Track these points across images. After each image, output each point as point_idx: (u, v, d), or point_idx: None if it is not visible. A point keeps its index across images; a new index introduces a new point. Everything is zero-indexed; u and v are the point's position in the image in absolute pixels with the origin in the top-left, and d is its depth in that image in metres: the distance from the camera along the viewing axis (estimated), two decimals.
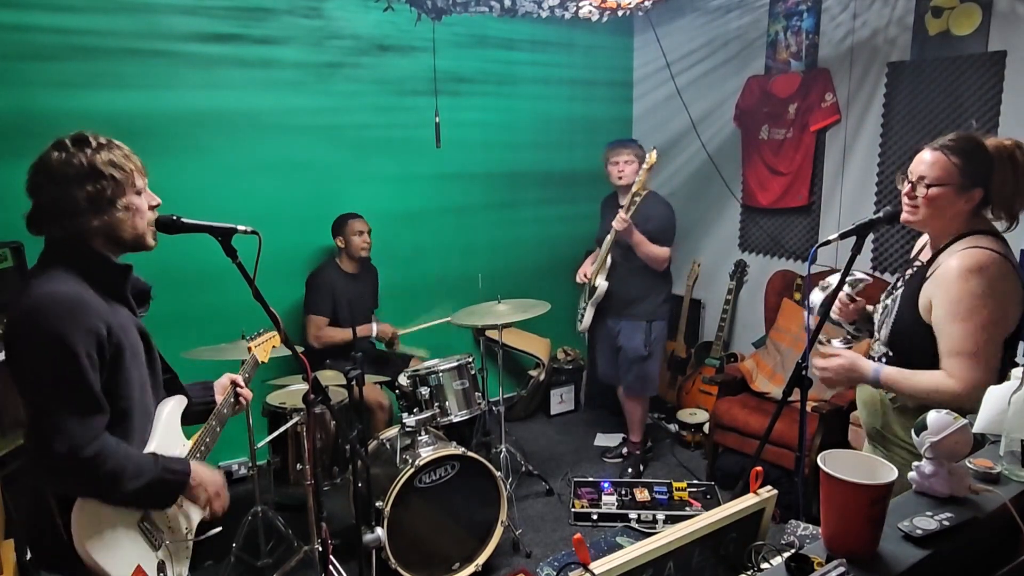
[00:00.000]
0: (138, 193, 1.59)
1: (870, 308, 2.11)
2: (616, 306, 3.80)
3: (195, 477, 1.64)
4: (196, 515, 1.76)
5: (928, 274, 1.83)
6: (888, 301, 1.96)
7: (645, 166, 3.47)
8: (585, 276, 3.90)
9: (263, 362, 2.17)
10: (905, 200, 1.86)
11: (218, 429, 1.86)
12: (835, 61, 3.87)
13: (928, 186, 1.79)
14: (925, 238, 2.01)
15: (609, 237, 3.65)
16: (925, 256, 1.93)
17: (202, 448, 1.79)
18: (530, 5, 3.19)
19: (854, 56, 3.77)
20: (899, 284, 1.95)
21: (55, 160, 1.50)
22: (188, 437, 1.79)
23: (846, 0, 3.78)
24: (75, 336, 1.43)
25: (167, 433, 1.70)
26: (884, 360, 1.92)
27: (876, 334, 1.98)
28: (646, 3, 3.24)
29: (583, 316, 3.92)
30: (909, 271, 1.95)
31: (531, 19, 3.33)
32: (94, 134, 1.56)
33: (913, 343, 1.85)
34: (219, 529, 1.79)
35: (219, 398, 1.92)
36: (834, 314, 2.08)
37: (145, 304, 1.71)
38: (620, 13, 3.29)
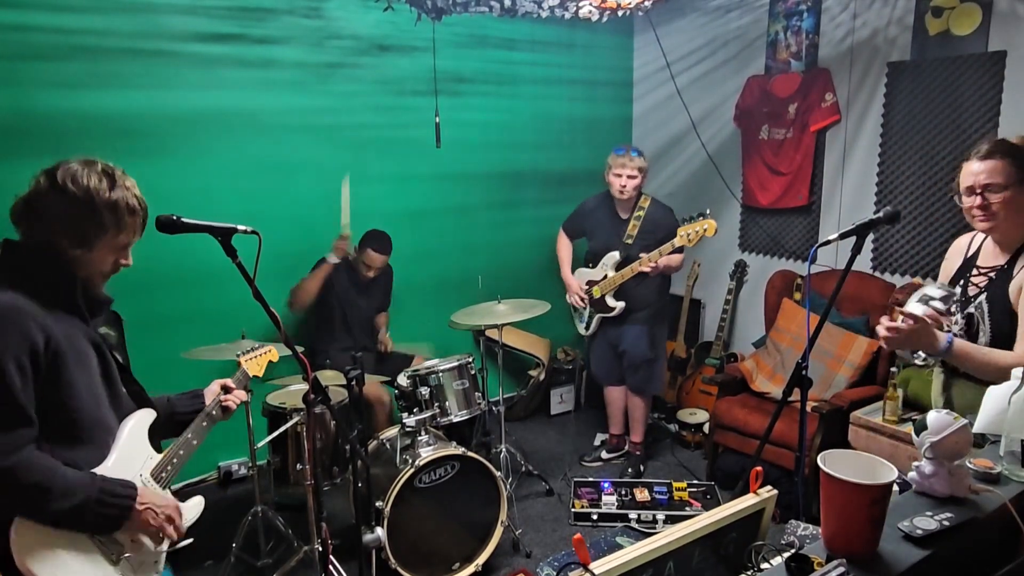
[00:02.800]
0: (118, 248, 1.59)
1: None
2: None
3: (142, 500, 1.56)
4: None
5: (1015, 272, 1.90)
6: (972, 310, 1.98)
7: (703, 232, 3.36)
8: (582, 300, 3.85)
9: (256, 376, 2.15)
10: (977, 212, 1.91)
11: (195, 442, 1.80)
12: (835, 61, 3.87)
13: (1000, 189, 1.87)
14: (964, 241, 2.09)
15: (622, 263, 3.66)
16: (994, 259, 1.98)
17: (173, 461, 1.73)
18: (530, 5, 3.18)
19: (854, 56, 3.77)
20: (976, 297, 1.98)
21: (70, 171, 1.51)
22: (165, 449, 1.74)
23: (846, 0, 3.78)
24: (2, 346, 1.40)
25: (129, 449, 1.64)
26: None
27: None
28: (646, 3, 3.24)
29: (589, 324, 3.91)
30: (983, 280, 1.98)
31: (531, 19, 3.32)
32: (124, 173, 1.58)
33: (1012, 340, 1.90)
34: (190, 540, 1.72)
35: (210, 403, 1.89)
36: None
37: (100, 315, 1.66)
38: (620, 13, 3.29)
